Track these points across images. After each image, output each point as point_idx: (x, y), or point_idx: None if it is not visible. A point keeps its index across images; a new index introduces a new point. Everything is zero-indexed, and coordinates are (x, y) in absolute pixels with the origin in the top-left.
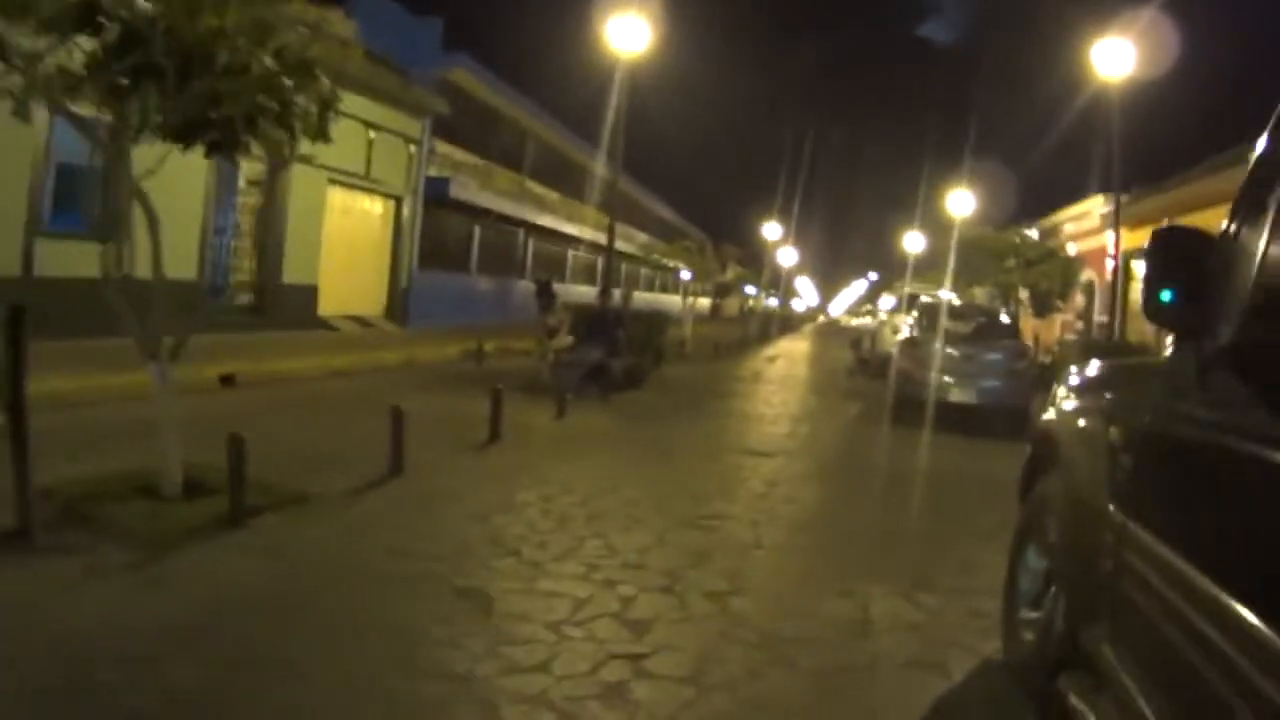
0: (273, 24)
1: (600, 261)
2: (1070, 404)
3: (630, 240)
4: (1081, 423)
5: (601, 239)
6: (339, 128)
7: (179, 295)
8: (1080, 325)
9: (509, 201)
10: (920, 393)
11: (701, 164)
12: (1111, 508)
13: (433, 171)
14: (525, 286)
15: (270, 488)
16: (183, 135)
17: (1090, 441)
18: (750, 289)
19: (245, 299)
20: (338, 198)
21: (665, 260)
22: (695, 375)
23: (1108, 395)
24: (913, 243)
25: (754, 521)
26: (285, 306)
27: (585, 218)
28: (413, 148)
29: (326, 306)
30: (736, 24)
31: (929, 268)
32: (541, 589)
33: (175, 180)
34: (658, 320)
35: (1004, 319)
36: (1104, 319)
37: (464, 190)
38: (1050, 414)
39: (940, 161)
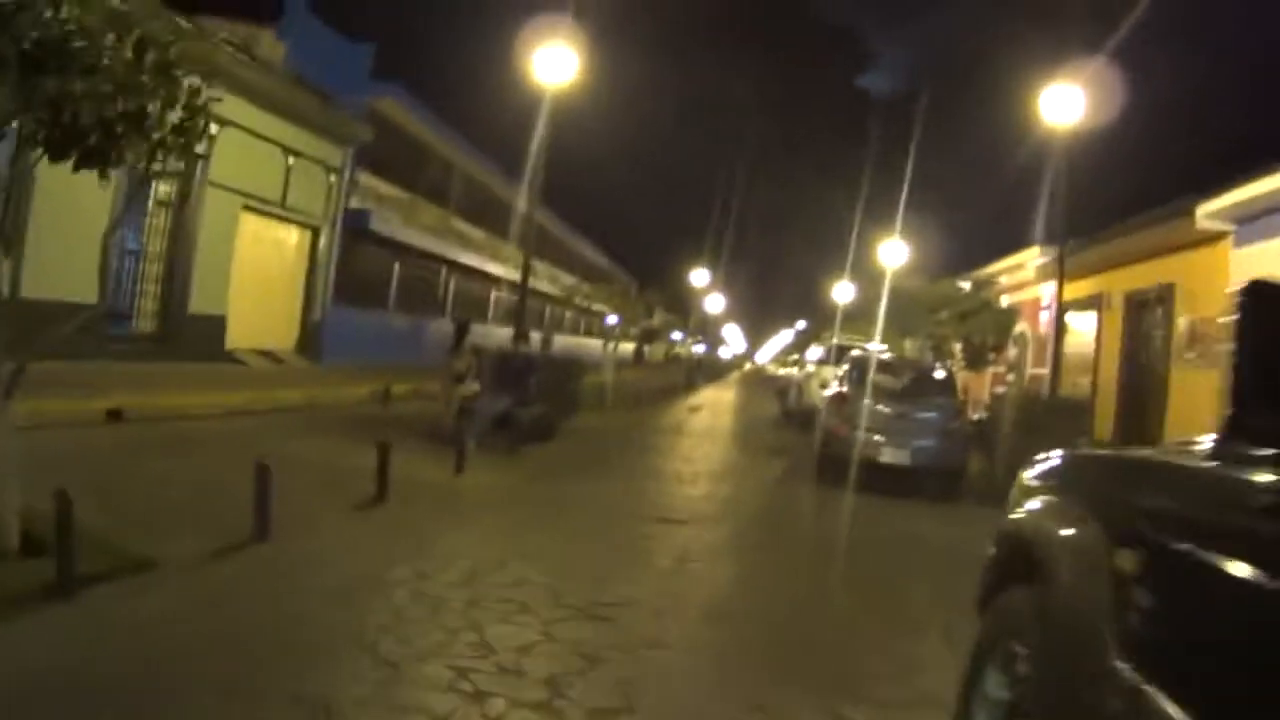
0: (131, 16)
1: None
2: (1048, 502)
3: (555, 282)
4: (1068, 532)
5: (543, 283)
6: (254, 151)
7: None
8: (1011, 377)
9: (432, 238)
10: (849, 452)
11: (631, 207)
12: (1119, 664)
13: (355, 203)
14: (444, 326)
15: (116, 549)
16: (56, 145)
17: (1084, 562)
18: (676, 335)
19: (149, 327)
20: (251, 224)
21: (590, 303)
22: (613, 426)
23: (1110, 498)
24: (842, 292)
25: (659, 610)
26: (191, 337)
27: (511, 258)
28: (333, 177)
29: (235, 339)
30: (671, 63)
31: (859, 317)
32: (394, 700)
33: (80, 196)
34: (572, 367)
35: (938, 374)
36: (1036, 371)
37: (385, 224)
38: (1021, 512)
39: (874, 211)
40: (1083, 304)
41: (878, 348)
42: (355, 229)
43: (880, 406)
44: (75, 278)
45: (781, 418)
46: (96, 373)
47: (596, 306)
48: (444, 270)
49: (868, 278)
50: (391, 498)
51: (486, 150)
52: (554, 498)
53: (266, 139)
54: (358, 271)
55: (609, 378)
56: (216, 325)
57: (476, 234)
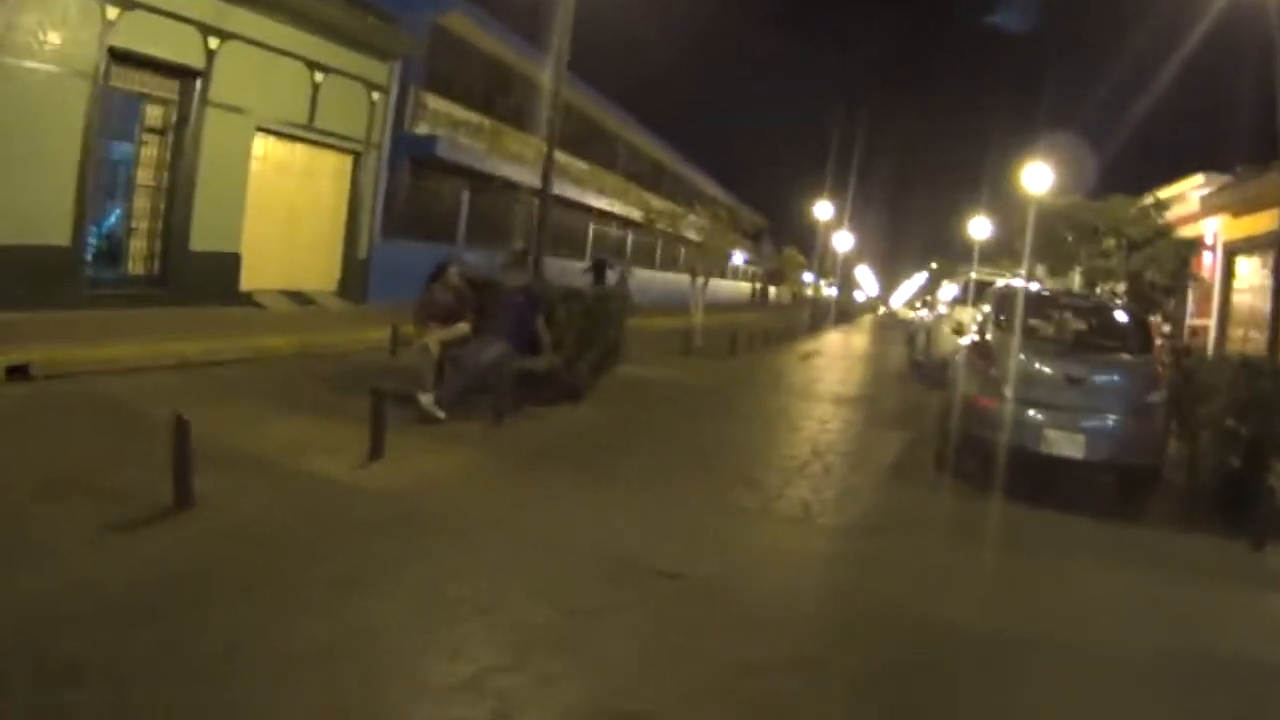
0: None
1: (630, 236)
2: None
3: (646, 209)
4: None
5: (634, 213)
6: (269, 67)
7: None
8: (1167, 329)
9: (516, 166)
10: (994, 435)
11: (761, 150)
12: None
13: (424, 129)
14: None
15: None
16: None
17: None
18: (808, 276)
19: (141, 269)
20: (271, 150)
21: (675, 228)
22: (681, 379)
23: None
24: (979, 228)
25: None
26: (196, 278)
27: (618, 190)
28: (376, 95)
29: (255, 279)
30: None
31: (1000, 255)
32: None
33: (40, 116)
34: (608, 304)
35: (1124, 316)
36: (1198, 322)
37: (455, 151)
38: None
39: (1008, 145)
40: (1256, 244)
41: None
42: (420, 156)
43: (1041, 365)
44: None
45: (909, 369)
46: (40, 324)
47: (688, 233)
48: (532, 202)
49: (1008, 209)
50: (203, 505)
51: (583, 75)
52: (495, 519)
53: (284, 52)
54: (423, 202)
55: (697, 319)
56: (227, 264)
57: (574, 163)
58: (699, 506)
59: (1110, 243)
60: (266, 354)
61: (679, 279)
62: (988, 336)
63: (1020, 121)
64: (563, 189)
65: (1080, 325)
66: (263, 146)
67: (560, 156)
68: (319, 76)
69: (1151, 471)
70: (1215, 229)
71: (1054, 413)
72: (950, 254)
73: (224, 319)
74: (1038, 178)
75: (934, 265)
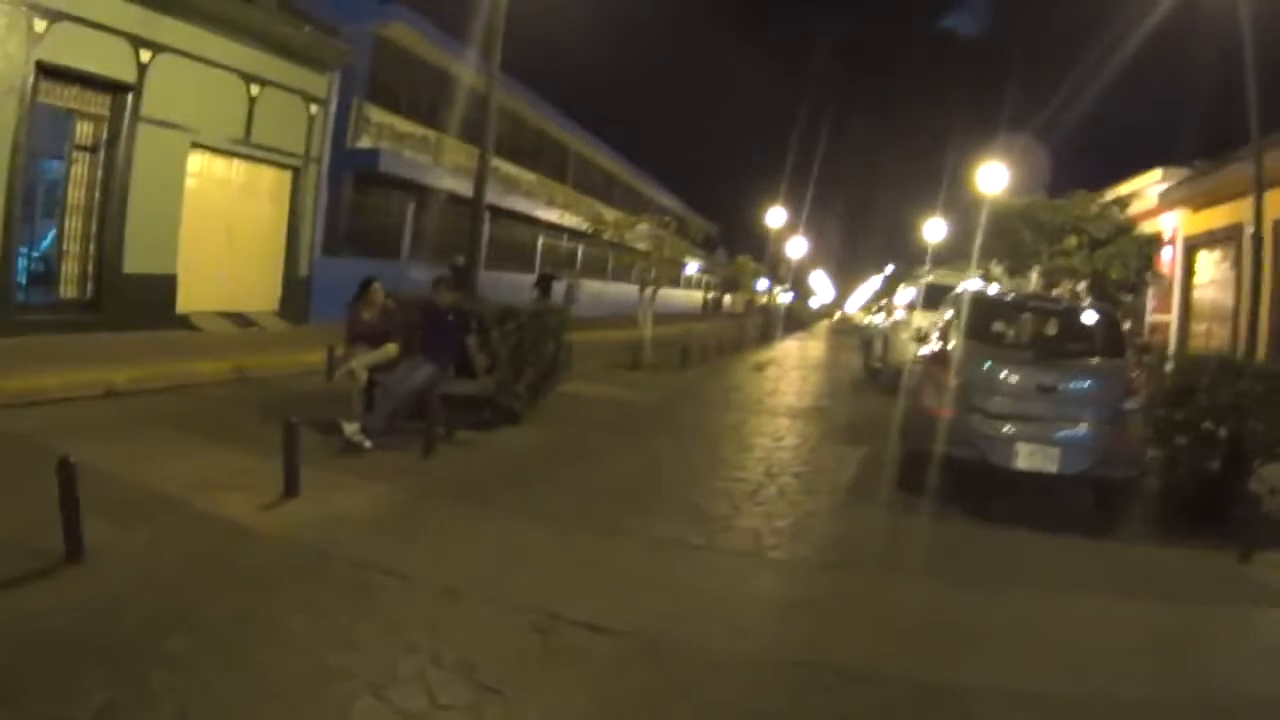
0: None
1: (580, 249)
2: None
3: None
4: None
5: (585, 224)
6: (204, 81)
7: None
8: (1128, 325)
9: (461, 179)
10: (959, 450)
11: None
12: None
13: (367, 142)
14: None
15: None
16: None
17: None
18: (763, 283)
19: (74, 293)
20: (206, 166)
21: (620, 237)
22: (630, 396)
23: None
24: (934, 230)
25: None
26: (130, 301)
27: (567, 202)
28: (315, 108)
29: (192, 301)
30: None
31: (955, 257)
32: None
33: None
34: (545, 320)
35: (1093, 318)
36: (1157, 318)
37: (398, 164)
38: None
39: (965, 147)
40: (1216, 238)
41: (986, 286)
42: (363, 171)
43: (1006, 373)
44: None
45: (865, 377)
46: None
47: (635, 243)
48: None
49: (962, 210)
50: (93, 557)
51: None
52: (407, 567)
53: (218, 65)
54: (366, 218)
55: (646, 331)
56: (163, 286)
57: (524, 175)
58: (638, 543)
59: (1072, 241)
60: (198, 380)
61: (632, 290)
62: (950, 344)
63: (977, 123)
64: (512, 202)
65: (1048, 330)
66: (198, 163)
67: (510, 169)
68: (255, 89)
69: (1129, 483)
70: (1174, 224)
71: (1025, 424)
72: (907, 257)
73: (158, 343)
74: (993, 178)
75: (890, 268)
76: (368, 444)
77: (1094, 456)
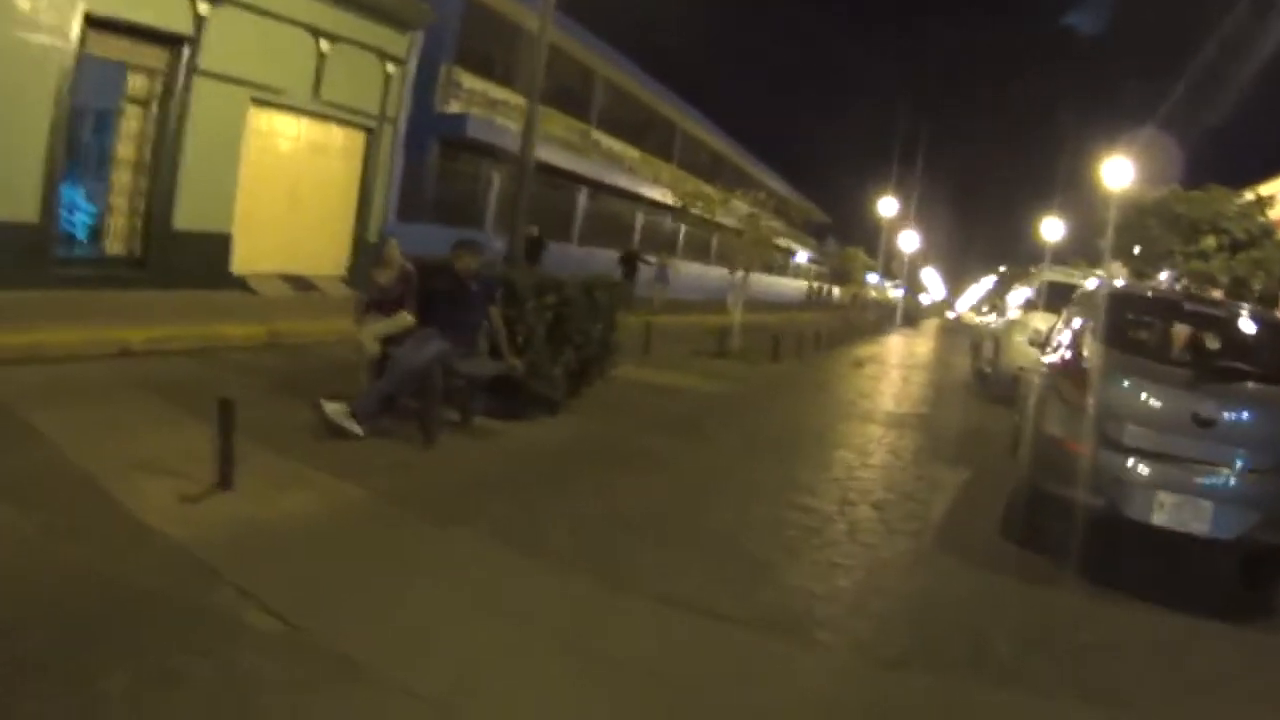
0: None
1: (681, 229)
2: None
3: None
4: None
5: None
6: (268, 34)
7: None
8: None
9: (555, 150)
10: (1085, 494)
11: (827, 142)
12: None
13: (456, 108)
14: (570, 251)
15: None
16: None
17: None
18: (872, 277)
19: (120, 249)
20: (269, 123)
21: (711, 213)
22: (702, 388)
23: None
24: (1051, 229)
25: None
26: (179, 259)
27: (674, 180)
28: (393, 68)
29: (250, 262)
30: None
31: (1073, 256)
32: None
33: (8, 85)
34: (594, 296)
35: (1266, 330)
36: None
37: (487, 131)
38: None
39: (1083, 144)
40: None
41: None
42: (450, 135)
43: (1153, 396)
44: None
45: (973, 380)
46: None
47: (729, 222)
48: (572, 188)
49: (1083, 208)
50: None
51: (640, 60)
52: (320, 624)
53: (285, 19)
54: (449, 184)
55: (735, 317)
56: (217, 245)
57: (627, 151)
58: (643, 606)
59: (1210, 241)
60: (224, 344)
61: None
62: (1083, 354)
63: (1095, 120)
64: (613, 177)
65: (1209, 341)
66: (260, 120)
67: (612, 143)
68: (325, 45)
69: None
70: None
71: (1171, 467)
72: (1020, 257)
73: (202, 304)
74: (1118, 172)
75: (1002, 269)
76: (357, 429)
77: (1258, 515)
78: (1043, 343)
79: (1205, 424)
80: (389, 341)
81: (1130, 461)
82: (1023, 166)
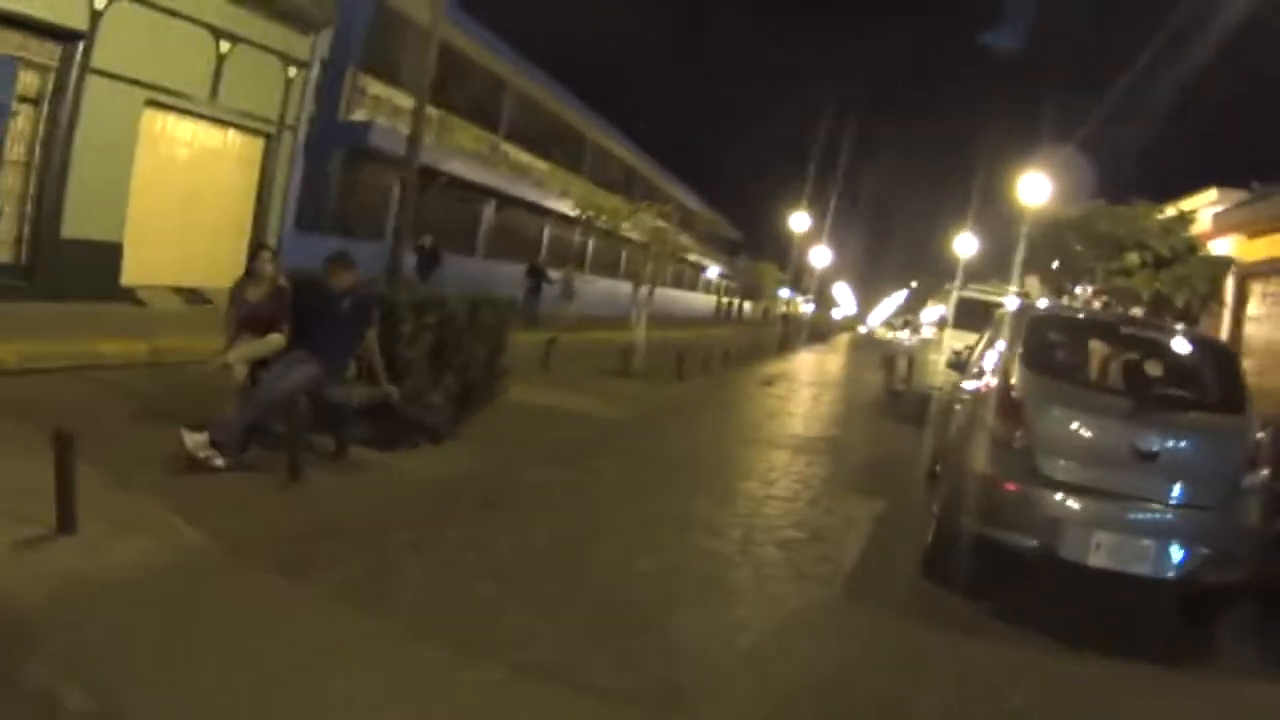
0: None
1: (590, 243)
2: None
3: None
4: None
5: (583, 211)
6: (165, 33)
7: None
8: None
9: (463, 161)
10: (1014, 535)
11: (739, 158)
12: None
13: (361, 115)
14: (470, 265)
15: None
16: None
17: None
18: (785, 292)
19: (5, 257)
20: (163, 127)
21: (617, 229)
22: (600, 411)
23: None
24: (965, 245)
25: None
26: (66, 269)
27: (583, 196)
28: (294, 71)
29: (140, 273)
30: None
31: (988, 273)
32: None
33: None
34: (479, 314)
35: (1202, 353)
36: None
37: (392, 141)
38: None
39: (998, 160)
40: (1275, 268)
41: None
42: (354, 144)
43: (1088, 427)
44: None
45: (887, 400)
46: None
47: (634, 234)
48: (478, 200)
49: (997, 224)
50: None
51: (551, 72)
52: None
53: (184, 17)
54: (355, 195)
55: (639, 334)
56: (106, 255)
57: (535, 163)
58: (501, 682)
59: (1133, 258)
60: (102, 362)
61: (662, 293)
62: (1011, 381)
63: (1012, 136)
64: (521, 190)
65: (1146, 366)
66: (155, 123)
67: (521, 155)
68: (225, 46)
69: (1241, 587)
70: (1227, 250)
71: (1108, 504)
72: (933, 272)
73: (87, 317)
74: (1035, 189)
75: (914, 284)
76: (218, 461)
77: (1203, 554)
78: (961, 365)
79: (1146, 457)
80: (259, 364)
81: (1065, 498)
82: (937, 182)
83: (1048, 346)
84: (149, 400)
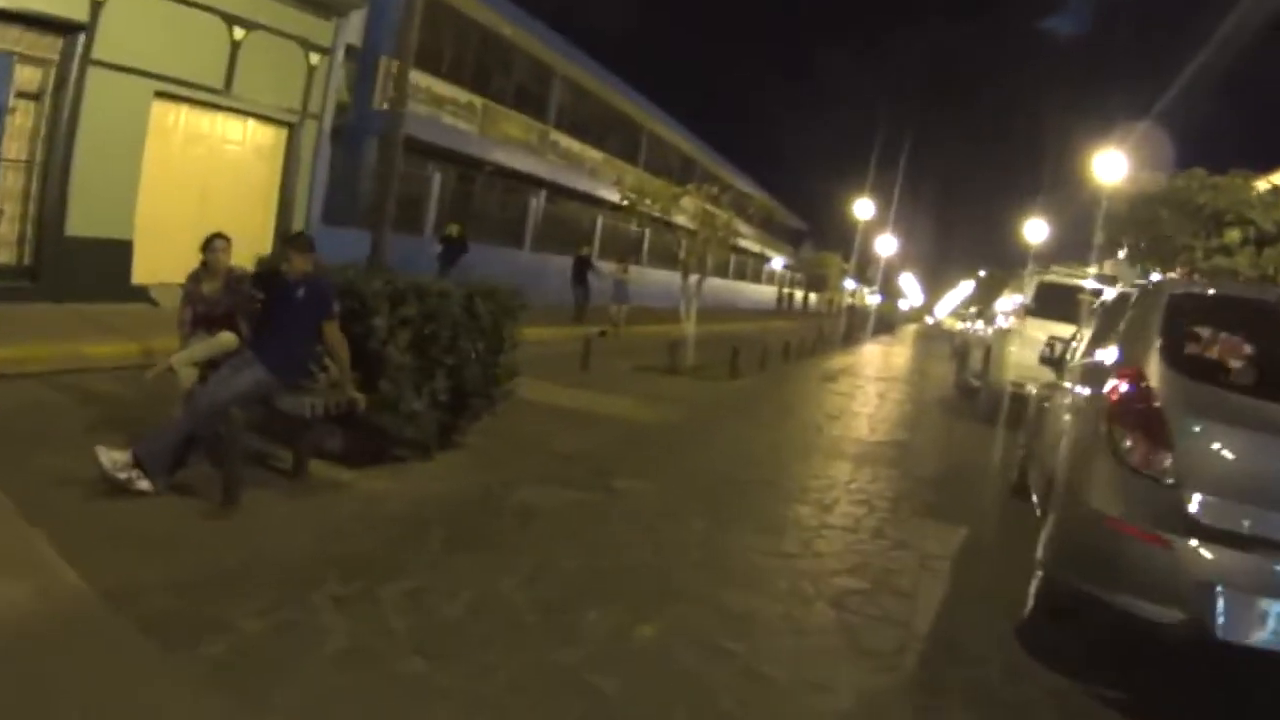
0: None
1: (647, 233)
2: None
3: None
4: None
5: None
6: (173, 21)
7: None
8: None
9: (507, 150)
10: (1150, 608)
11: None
12: None
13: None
14: (520, 257)
15: None
16: None
17: None
18: (849, 283)
19: (6, 257)
20: (174, 118)
21: (659, 210)
22: (636, 416)
23: None
24: (1035, 231)
25: None
26: (74, 268)
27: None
28: (317, 58)
29: (152, 271)
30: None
31: (1061, 259)
32: None
33: None
34: (476, 305)
35: None
36: None
37: (428, 130)
38: None
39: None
40: None
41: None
42: (387, 134)
43: (1255, 449)
44: None
45: (958, 397)
46: None
47: (683, 220)
48: (528, 190)
49: (1072, 207)
50: None
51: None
52: None
53: (193, 4)
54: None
55: (688, 327)
56: (116, 253)
57: (588, 152)
58: None
59: (1234, 234)
60: (92, 365)
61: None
62: (1151, 383)
63: (1080, 117)
64: (571, 180)
65: None
66: (165, 115)
67: (571, 144)
68: (239, 33)
69: None
70: None
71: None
72: (1001, 260)
73: (90, 318)
74: (1111, 166)
75: (982, 273)
76: (143, 484)
77: None
78: (1056, 360)
79: None
80: (210, 366)
81: (1226, 554)
82: (1004, 168)
83: (1196, 338)
84: (116, 407)
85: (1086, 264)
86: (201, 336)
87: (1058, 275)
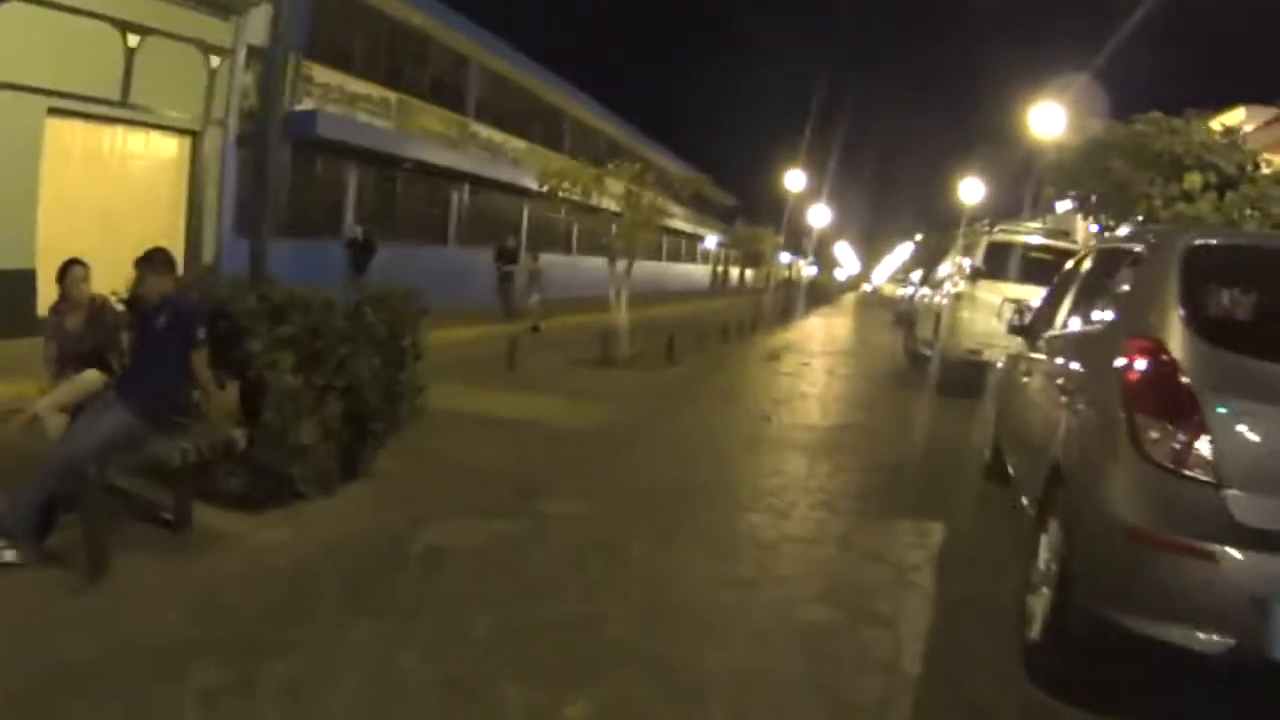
0: None
1: (575, 223)
2: None
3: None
4: None
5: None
6: (62, 31)
7: None
8: None
9: (424, 144)
10: (1188, 636)
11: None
12: None
13: (309, 105)
14: (445, 256)
15: None
16: None
17: None
18: (785, 257)
19: None
20: (71, 135)
21: (584, 197)
22: (564, 420)
23: None
24: (971, 190)
25: None
26: None
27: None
28: (217, 60)
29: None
30: None
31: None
32: None
33: None
34: (363, 316)
35: None
36: None
37: (344, 129)
38: None
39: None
40: None
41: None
42: (301, 136)
43: None
44: None
45: (908, 366)
46: None
47: (604, 204)
48: (449, 185)
49: (1010, 164)
50: None
51: (523, 46)
52: None
53: (82, 12)
54: (308, 192)
55: (620, 316)
56: (18, 284)
57: (510, 142)
58: None
59: (1195, 179)
60: None
61: (651, 267)
62: (1175, 354)
63: (1013, 77)
64: (494, 171)
65: None
66: (63, 133)
67: (493, 134)
68: (133, 40)
69: None
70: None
71: None
72: (937, 223)
73: None
74: (1048, 118)
75: (919, 236)
76: (8, 555)
77: None
78: (1026, 328)
79: None
80: (78, 410)
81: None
82: (937, 129)
83: (1220, 300)
84: None
85: (1027, 219)
86: (70, 376)
87: (1007, 233)
